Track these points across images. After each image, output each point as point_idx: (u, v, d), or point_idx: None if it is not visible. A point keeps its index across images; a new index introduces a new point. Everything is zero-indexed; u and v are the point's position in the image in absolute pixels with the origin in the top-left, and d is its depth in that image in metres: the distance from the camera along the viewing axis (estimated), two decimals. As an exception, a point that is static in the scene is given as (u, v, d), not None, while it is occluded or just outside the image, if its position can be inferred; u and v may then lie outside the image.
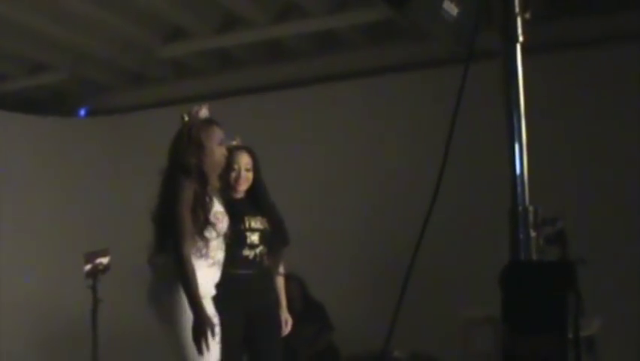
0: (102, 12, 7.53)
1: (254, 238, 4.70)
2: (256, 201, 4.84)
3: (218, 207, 4.32)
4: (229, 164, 4.66)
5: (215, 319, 4.15)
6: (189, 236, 4.09)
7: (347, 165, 8.24)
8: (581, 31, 7.46)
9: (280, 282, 4.97)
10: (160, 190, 4.27)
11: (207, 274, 4.20)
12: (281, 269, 4.96)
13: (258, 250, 4.70)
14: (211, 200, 4.26)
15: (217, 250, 4.27)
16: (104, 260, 6.97)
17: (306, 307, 7.02)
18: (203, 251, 4.18)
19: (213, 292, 4.27)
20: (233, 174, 4.74)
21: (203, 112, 4.39)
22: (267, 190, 4.92)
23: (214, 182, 4.36)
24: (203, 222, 4.17)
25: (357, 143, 8.24)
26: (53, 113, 9.71)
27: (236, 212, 4.58)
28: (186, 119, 4.36)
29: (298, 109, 8.56)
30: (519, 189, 2.28)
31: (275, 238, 4.84)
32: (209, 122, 4.38)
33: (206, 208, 4.20)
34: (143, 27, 8.13)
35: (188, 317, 4.02)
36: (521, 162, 2.29)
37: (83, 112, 10.03)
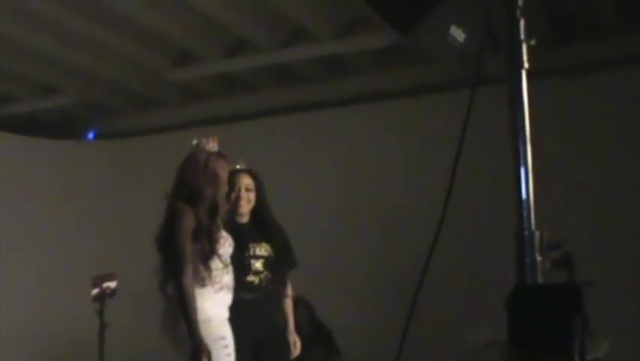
0: (111, 35, 7.58)
1: (258, 265, 4.69)
2: (261, 225, 4.82)
3: (226, 237, 4.33)
4: (230, 185, 4.67)
5: (226, 341, 4.16)
6: (190, 264, 4.10)
7: (354, 190, 8.25)
8: (586, 56, 7.49)
9: (288, 304, 4.95)
10: (164, 217, 4.28)
11: (216, 300, 4.21)
12: (289, 291, 4.94)
13: (262, 276, 4.70)
14: (218, 231, 4.28)
15: (223, 276, 4.27)
16: (112, 284, 6.97)
17: (313, 331, 7.00)
18: (207, 280, 4.19)
19: (226, 315, 4.28)
20: (233, 195, 4.73)
21: (213, 145, 4.42)
22: (271, 213, 4.91)
23: (222, 214, 4.38)
24: (209, 252, 4.18)
25: (364, 167, 8.26)
26: (61, 136, 9.74)
27: (240, 238, 4.58)
28: (195, 144, 4.38)
29: (305, 133, 8.58)
30: (525, 213, 2.29)
31: (281, 261, 4.84)
32: (222, 155, 4.41)
33: (212, 239, 4.21)
34: (151, 51, 8.18)
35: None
36: (527, 187, 2.30)
37: (91, 135, 10.07)
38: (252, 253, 4.70)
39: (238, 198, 4.75)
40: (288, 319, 4.92)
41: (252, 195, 4.79)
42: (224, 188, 4.37)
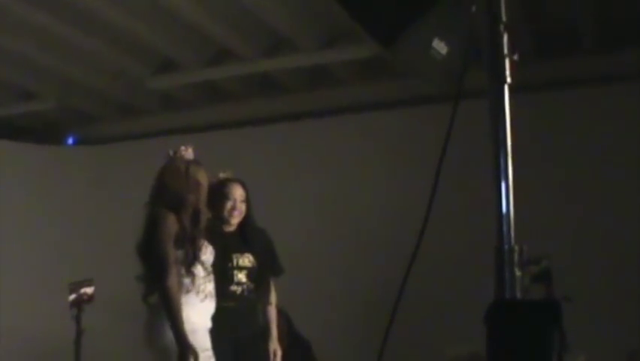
0: (92, 42, 7.55)
1: (240, 276, 4.70)
2: (245, 235, 4.83)
3: (206, 245, 4.34)
4: (225, 195, 4.68)
5: (210, 352, 4.16)
6: (174, 268, 4.09)
7: (334, 200, 8.25)
8: (568, 71, 7.54)
9: (272, 312, 4.95)
10: (145, 224, 4.27)
11: (200, 309, 4.22)
12: (272, 299, 4.94)
13: (245, 286, 4.70)
14: (201, 237, 4.28)
15: (206, 284, 4.28)
16: (89, 290, 6.94)
17: (291, 343, 6.97)
18: (190, 287, 4.19)
19: (209, 324, 4.28)
20: (229, 205, 4.74)
21: (190, 152, 4.43)
22: (254, 222, 4.92)
23: (203, 221, 4.38)
24: (192, 259, 4.18)
25: (345, 178, 8.26)
26: (41, 141, 9.69)
27: (224, 248, 4.58)
28: (172, 153, 4.39)
29: (287, 143, 8.58)
30: (505, 227, 2.29)
31: (265, 269, 4.84)
32: (198, 163, 4.42)
33: (195, 245, 4.22)
34: (133, 58, 8.15)
35: None
36: (507, 201, 2.31)
37: (70, 141, 10.02)
38: (234, 263, 4.70)
39: (233, 209, 4.76)
40: (270, 326, 4.91)
41: (244, 207, 4.81)
42: (205, 195, 4.38)
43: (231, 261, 4.69)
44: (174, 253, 4.13)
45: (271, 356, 4.88)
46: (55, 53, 7.79)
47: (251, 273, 4.74)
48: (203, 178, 4.38)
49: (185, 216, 4.23)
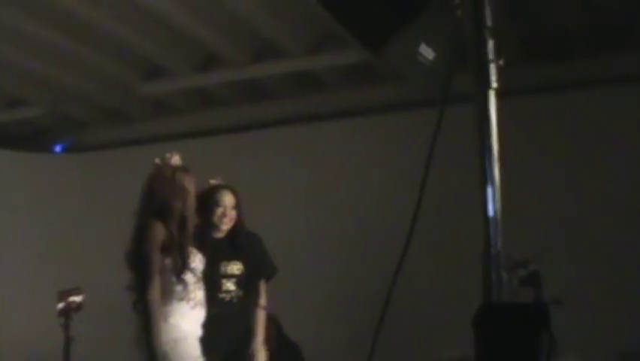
0: (82, 48, 7.54)
1: (229, 284, 4.72)
2: (235, 242, 4.83)
3: (196, 252, 4.34)
4: (215, 202, 4.68)
5: (201, 359, 4.17)
6: (157, 278, 4.10)
7: (323, 206, 8.25)
8: (555, 76, 7.56)
9: (260, 315, 4.94)
10: (132, 233, 4.28)
11: (190, 316, 4.23)
12: (262, 301, 4.94)
13: (233, 293, 4.70)
14: (189, 244, 4.28)
15: (196, 291, 4.28)
16: (78, 298, 6.90)
17: (280, 347, 6.97)
18: (183, 294, 4.19)
19: (199, 332, 4.28)
20: (219, 211, 4.74)
21: (177, 159, 4.43)
22: (245, 227, 4.92)
23: (191, 228, 4.38)
24: (181, 266, 4.18)
25: (333, 183, 8.26)
26: (30, 148, 9.66)
27: (213, 255, 4.58)
28: (159, 160, 4.39)
29: (275, 149, 8.58)
30: (492, 231, 2.30)
31: (255, 273, 4.84)
32: (187, 169, 4.42)
33: (184, 252, 4.22)
34: (122, 64, 8.14)
35: (177, 355, 4.04)
36: (494, 205, 2.32)
37: (59, 148, 9.99)
38: (222, 272, 4.71)
39: (224, 215, 4.76)
40: (256, 328, 4.91)
41: (235, 213, 4.82)
42: (193, 202, 4.37)
43: (219, 269, 4.69)
44: (160, 262, 4.13)
45: (250, 353, 4.85)
46: (44, 59, 7.77)
47: (239, 281, 4.74)
48: (190, 184, 4.38)
49: (173, 224, 4.23)
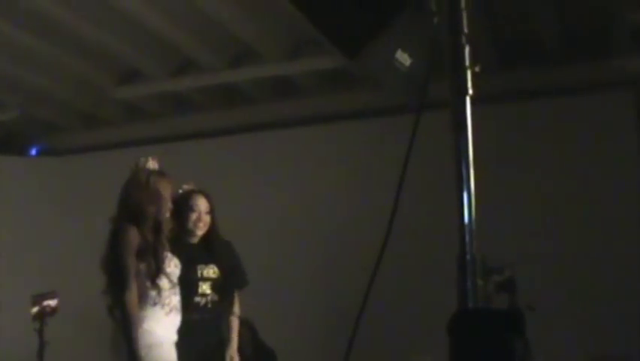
0: (56, 51, 7.50)
1: (205, 287, 4.70)
2: (210, 247, 4.83)
3: (171, 257, 4.33)
4: (189, 207, 4.67)
5: None
6: (134, 282, 4.09)
7: (299, 211, 8.25)
8: (530, 82, 7.60)
9: (234, 322, 4.94)
10: (108, 238, 4.26)
11: (165, 322, 4.21)
12: (236, 309, 4.94)
13: (209, 298, 4.70)
14: (164, 249, 4.27)
15: (171, 297, 4.26)
16: (52, 303, 6.86)
17: (256, 352, 6.95)
18: (157, 299, 4.18)
19: (174, 338, 4.27)
20: (194, 216, 4.74)
21: (154, 163, 4.41)
22: (219, 233, 4.92)
23: (166, 232, 4.37)
24: (156, 270, 4.17)
25: (308, 189, 8.26)
26: (3, 151, 9.59)
27: (189, 259, 4.58)
28: (135, 165, 4.37)
29: (251, 153, 8.58)
30: (467, 237, 2.31)
31: (230, 280, 4.84)
32: (163, 174, 4.41)
33: (158, 257, 4.20)
34: (97, 68, 8.11)
35: (152, 358, 4.04)
36: (470, 211, 2.32)
37: (33, 151, 9.93)
38: (199, 275, 4.70)
39: (198, 220, 4.75)
40: (231, 336, 4.91)
41: (209, 219, 4.81)
42: (167, 206, 4.36)
43: (196, 272, 4.68)
44: (135, 267, 4.13)
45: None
46: (18, 62, 7.72)
47: (215, 284, 4.74)
48: (166, 189, 4.36)
49: (147, 228, 4.22)
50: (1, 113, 9.05)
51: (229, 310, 4.89)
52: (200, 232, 4.80)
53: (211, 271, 4.75)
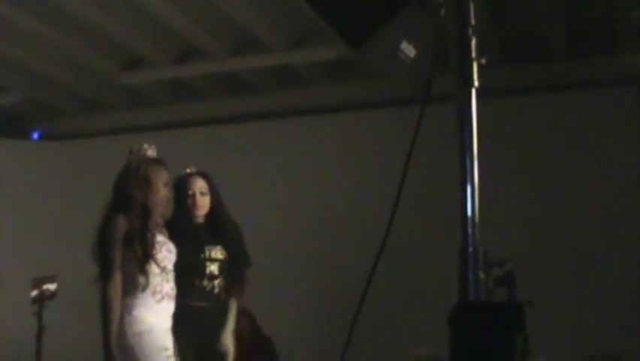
0: (61, 36, 7.48)
1: (213, 267, 4.68)
2: (216, 228, 4.80)
3: (163, 242, 4.31)
4: (184, 190, 4.66)
5: (170, 352, 4.16)
6: (116, 272, 4.10)
7: (300, 201, 8.25)
8: (534, 77, 7.59)
9: (233, 303, 4.90)
10: (97, 226, 4.27)
11: (158, 310, 4.20)
12: (244, 293, 4.92)
13: (216, 282, 4.68)
14: (153, 236, 4.25)
15: (162, 283, 4.24)
16: (51, 287, 6.88)
17: (255, 341, 6.95)
18: (146, 286, 4.17)
19: (168, 324, 4.26)
20: (189, 200, 4.72)
21: (151, 151, 4.41)
22: (227, 214, 4.89)
23: (157, 219, 4.35)
24: (142, 257, 4.16)
25: (310, 178, 8.26)
26: (5, 135, 9.59)
27: (196, 240, 4.57)
28: (132, 154, 4.37)
29: (253, 142, 8.57)
30: (470, 230, 2.30)
31: (238, 262, 4.82)
32: (157, 161, 4.40)
33: (146, 243, 4.19)
34: (101, 53, 8.09)
35: (142, 347, 4.04)
36: (473, 204, 2.32)
37: (36, 135, 9.93)
38: (207, 255, 4.68)
39: (194, 204, 4.74)
40: (229, 317, 4.86)
41: (207, 199, 4.78)
42: (159, 193, 4.34)
43: (204, 252, 4.66)
44: (120, 256, 4.13)
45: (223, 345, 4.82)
46: (21, 45, 7.70)
47: (222, 265, 4.71)
48: (155, 175, 4.34)
49: (134, 215, 4.22)
50: (3, 96, 9.05)
51: (239, 293, 4.85)
52: (199, 212, 4.77)
53: (218, 253, 4.73)
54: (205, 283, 4.64)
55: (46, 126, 9.91)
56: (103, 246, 4.16)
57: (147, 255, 4.19)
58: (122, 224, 4.16)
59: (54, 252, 8.73)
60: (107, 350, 4.03)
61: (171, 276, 4.32)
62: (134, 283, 4.15)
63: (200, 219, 4.80)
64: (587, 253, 7.04)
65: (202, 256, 4.65)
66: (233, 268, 4.79)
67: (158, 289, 4.22)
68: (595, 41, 7.28)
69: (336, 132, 8.24)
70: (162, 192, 4.37)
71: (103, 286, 4.08)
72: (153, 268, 4.21)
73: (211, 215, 4.81)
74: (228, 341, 4.85)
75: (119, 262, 4.12)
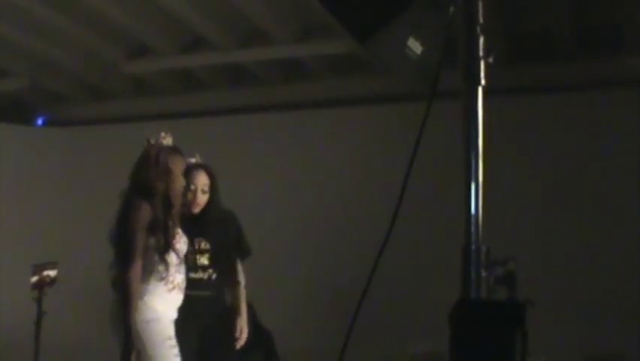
0: (68, 22, 7.48)
1: (203, 259, 4.69)
2: (207, 220, 4.80)
3: (179, 232, 4.33)
4: (187, 182, 4.66)
5: (173, 341, 4.17)
6: (139, 259, 4.10)
7: (303, 193, 8.25)
8: (540, 78, 7.58)
9: (241, 291, 4.91)
10: (118, 212, 4.26)
11: (167, 299, 4.22)
12: (241, 279, 4.92)
13: (209, 271, 4.69)
14: (174, 225, 4.27)
15: (176, 274, 4.27)
16: (52, 273, 6.88)
17: (253, 333, 6.96)
18: (164, 275, 4.19)
19: (174, 315, 4.28)
20: (190, 195, 4.71)
21: (168, 139, 4.41)
22: (217, 206, 4.87)
23: (177, 207, 4.36)
24: (164, 246, 4.17)
25: (314, 170, 8.26)
26: (10, 120, 9.60)
27: (188, 233, 4.58)
28: (151, 142, 4.37)
29: (258, 134, 8.57)
30: (473, 228, 2.30)
31: (230, 251, 4.82)
32: (175, 149, 4.40)
33: (168, 233, 4.21)
34: (108, 41, 8.09)
35: (148, 335, 4.05)
36: (477, 202, 2.32)
37: (40, 121, 9.94)
38: (197, 247, 4.69)
39: (194, 199, 4.74)
40: (239, 305, 4.88)
41: (207, 197, 4.78)
42: (179, 182, 4.36)
43: (193, 245, 4.68)
44: (144, 243, 4.13)
45: (237, 332, 4.85)
46: (28, 31, 7.71)
47: (212, 256, 4.72)
48: (175, 164, 4.35)
49: (157, 204, 4.22)
50: (9, 81, 9.05)
51: (232, 280, 4.86)
52: (196, 209, 4.78)
53: (208, 244, 4.75)
54: (200, 274, 4.66)
55: (50, 112, 9.92)
56: (126, 231, 4.15)
57: (168, 244, 4.20)
58: (147, 211, 4.17)
59: (56, 238, 8.73)
60: (127, 334, 4.03)
61: (183, 268, 4.35)
62: (152, 271, 4.17)
63: (195, 213, 4.81)
64: (588, 253, 7.04)
65: (192, 248, 4.66)
66: (224, 258, 4.79)
67: (171, 279, 4.24)
68: (602, 42, 7.28)
69: (341, 126, 8.24)
70: (181, 181, 4.38)
71: (124, 271, 4.07)
72: (172, 258, 4.23)
73: (204, 209, 4.82)
74: (243, 325, 4.86)
75: (142, 249, 4.12)
